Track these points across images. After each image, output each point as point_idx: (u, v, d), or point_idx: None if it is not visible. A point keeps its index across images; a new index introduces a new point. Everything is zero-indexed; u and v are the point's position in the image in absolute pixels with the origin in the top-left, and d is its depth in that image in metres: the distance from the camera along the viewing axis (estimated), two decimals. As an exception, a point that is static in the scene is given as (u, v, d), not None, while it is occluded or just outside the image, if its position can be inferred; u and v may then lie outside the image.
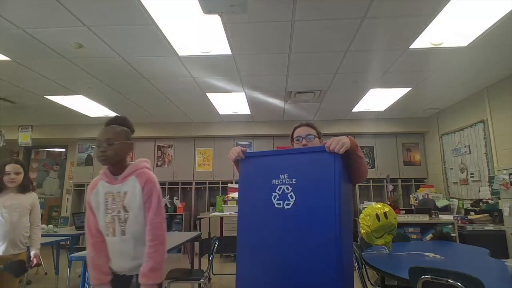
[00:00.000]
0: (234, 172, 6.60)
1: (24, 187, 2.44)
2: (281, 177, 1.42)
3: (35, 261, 2.41)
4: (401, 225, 4.04)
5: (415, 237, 4.18)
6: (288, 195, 1.38)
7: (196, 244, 4.00)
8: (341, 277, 1.24)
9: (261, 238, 1.42)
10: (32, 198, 2.50)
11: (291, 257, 1.33)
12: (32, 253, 2.42)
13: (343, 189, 1.33)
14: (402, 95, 4.89)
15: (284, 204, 1.38)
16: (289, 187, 1.39)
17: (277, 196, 1.41)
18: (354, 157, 1.43)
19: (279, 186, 1.41)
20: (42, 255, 2.70)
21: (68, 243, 4.45)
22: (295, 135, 1.76)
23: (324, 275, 1.25)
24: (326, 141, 1.37)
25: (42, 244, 2.66)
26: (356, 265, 2.28)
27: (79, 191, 6.81)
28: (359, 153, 1.44)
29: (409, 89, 4.64)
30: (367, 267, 2.21)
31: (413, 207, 5.39)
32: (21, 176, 2.42)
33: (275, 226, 1.39)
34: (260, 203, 1.45)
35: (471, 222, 4.36)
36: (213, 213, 4.74)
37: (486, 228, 4.21)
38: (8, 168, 2.37)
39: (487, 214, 4.38)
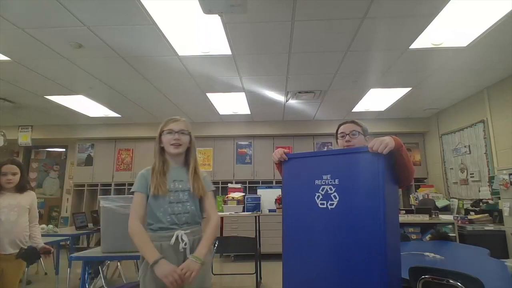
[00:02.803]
0: (234, 172, 6.61)
1: (21, 187, 2.45)
2: (323, 178, 1.42)
3: (46, 247, 2.51)
4: (401, 225, 4.02)
5: (415, 237, 4.18)
6: (332, 195, 1.38)
7: (196, 244, 4.00)
8: (385, 283, 1.22)
9: (305, 237, 1.43)
10: (30, 197, 2.50)
11: (334, 256, 1.34)
12: (40, 247, 2.47)
13: (387, 190, 1.31)
14: (402, 95, 4.89)
15: (328, 204, 1.39)
16: (332, 187, 1.39)
17: (320, 196, 1.41)
18: (398, 157, 1.39)
19: (322, 187, 1.41)
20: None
21: (68, 243, 4.46)
22: (339, 132, 1.74)
23: (367, 279, 1.24)
24: (372, 139, 1.34)
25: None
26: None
27: (79, 191, 6.80)
28: (404, 153, 1.40)
29: (409, 89, 4.64)
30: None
31: (413, 207, 5.40)
32: (18, 177, 2.42)
33: (319, 225, 1.40)
34: (304, 203, 1.46)
35: (471, 222, 4.35)
36: (213, 213, 4.73)
37: (486, 228, 4.20)
38: (4, 169, 2.37)
39: (487, 214, 4.38)
